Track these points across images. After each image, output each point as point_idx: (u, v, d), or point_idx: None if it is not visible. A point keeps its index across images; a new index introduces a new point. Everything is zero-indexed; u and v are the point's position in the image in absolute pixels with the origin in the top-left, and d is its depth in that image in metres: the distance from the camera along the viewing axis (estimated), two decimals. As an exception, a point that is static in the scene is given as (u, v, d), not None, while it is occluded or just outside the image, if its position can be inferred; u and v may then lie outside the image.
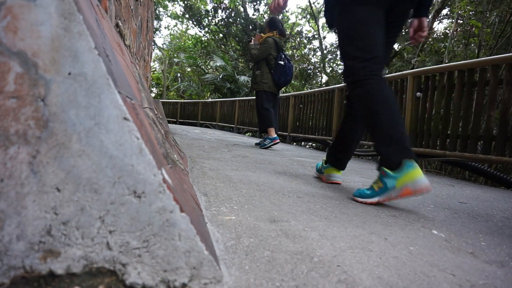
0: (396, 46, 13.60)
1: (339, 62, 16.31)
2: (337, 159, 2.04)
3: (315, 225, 1.10)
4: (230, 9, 16.15)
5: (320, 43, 16.47)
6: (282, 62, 3.35)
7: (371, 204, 1.49)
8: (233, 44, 17.41)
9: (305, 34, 17.89)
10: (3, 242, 0.53)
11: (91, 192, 0.57)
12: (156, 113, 1.69)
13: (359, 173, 2.71)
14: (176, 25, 21.90)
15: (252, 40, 3.92)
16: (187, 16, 18.25)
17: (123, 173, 0.58)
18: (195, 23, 17.87)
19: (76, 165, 0.56)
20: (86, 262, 0.56)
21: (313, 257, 0.82)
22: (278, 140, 4.21)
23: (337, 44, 16.10)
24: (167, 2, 19.18)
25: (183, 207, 0.63)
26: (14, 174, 0.54)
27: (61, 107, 0.55)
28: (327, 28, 17.95)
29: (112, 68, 0.67)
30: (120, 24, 1.94)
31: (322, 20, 17.24)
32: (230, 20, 16.48)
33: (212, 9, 16.99)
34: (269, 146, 4.23)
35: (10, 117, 0.53)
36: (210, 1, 17.08)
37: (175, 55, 20.46)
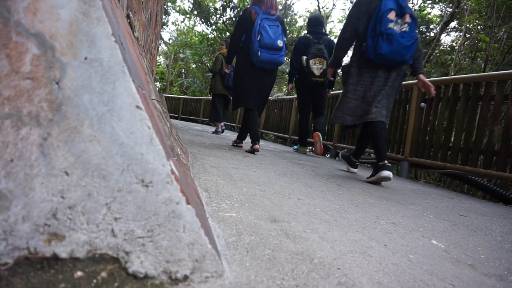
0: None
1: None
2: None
3: (315, 227, 1.10)
4: (239, 9, 16.15)
5: (326, 48, 16.46)
6: (227, 71, 4.33)
7: None
8: (239, 44, 17.40)
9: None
10: (9, 222, 0.53)
11: (99, 178, 0.57)
12: (161, 106, 1.69)
13: (359, 180, 2.71)
14: (183, 21, 21.87)
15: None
16: (195, 12, 18.24)
17: (132, 161, 0.58)
18: (202, 20, 17.87)
19: (86, 150, 0.56)
20: (90, 248, 0.56)
21: (314, 258, 0.81)
22: (221, 133, 6.04)
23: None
24: (176, -3, 19.18)
25: (189, 199, 0.63)
26: (24, 155, 0.54)
27: (75, 91, 0.55)
28: (334, 33, 17.94)
29: (126, 56, 0.67)
30: (131, 15, 1.94)
31: (329, 25, 17.26)
32: (238, 19, 16.50)
33: (221, 7, 16.99)
34: (215, 133, 5.96)
35: (24, 98, 0.53)
36: (219, -1, 17.07)
37: (181, 51, 20.45)
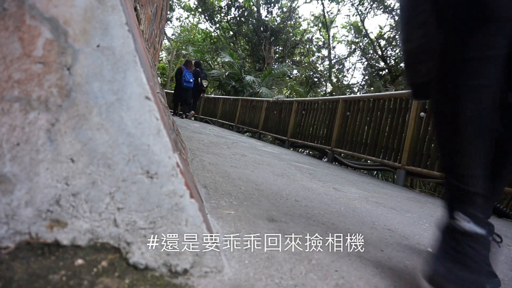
0: (403, 65, 13.61)
1: (345, 74, 16.39)
2: None
3: (312, 229, 1.11)
4: (244, 8, 16.17)
5: (329, 52, 16.54)
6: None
7: None
8: (242, 43, 17.43)
9: (315, 42, 17.93)
10: (12, 206, 0.53)
11: (105, 167, 0.57)
12: (164, 100, 1.69)
13: (356, 185, 2.72)
14: (187, 17, 21.83)
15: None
16: (200, 10, 18.24)
17: (138, 151, 0.58)
18: (207, 17, 17.87)
19: (93, 138, 0.56)
20: (92, 236, 0.56)
21: (311, 259, 0.82)
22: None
23: (345, 57, 16.15)
24: (181, -6, 19.17)
25: (192, 193, 0.63)
26: (31, 139, 0.53)
27: (86, 79, 0.55)
28: (337, 39, 18.00)
29: (137, 47, 0.67)
30: (138, 8, 1.93)
31: (333, 30, 17.33)
32: (242, 19, 16.49)
33: (226, 6, 17.00)
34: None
35: (34, 82, 0.53)
36: (224, -2, 17.08)
37: (183, 47, 20.43)
